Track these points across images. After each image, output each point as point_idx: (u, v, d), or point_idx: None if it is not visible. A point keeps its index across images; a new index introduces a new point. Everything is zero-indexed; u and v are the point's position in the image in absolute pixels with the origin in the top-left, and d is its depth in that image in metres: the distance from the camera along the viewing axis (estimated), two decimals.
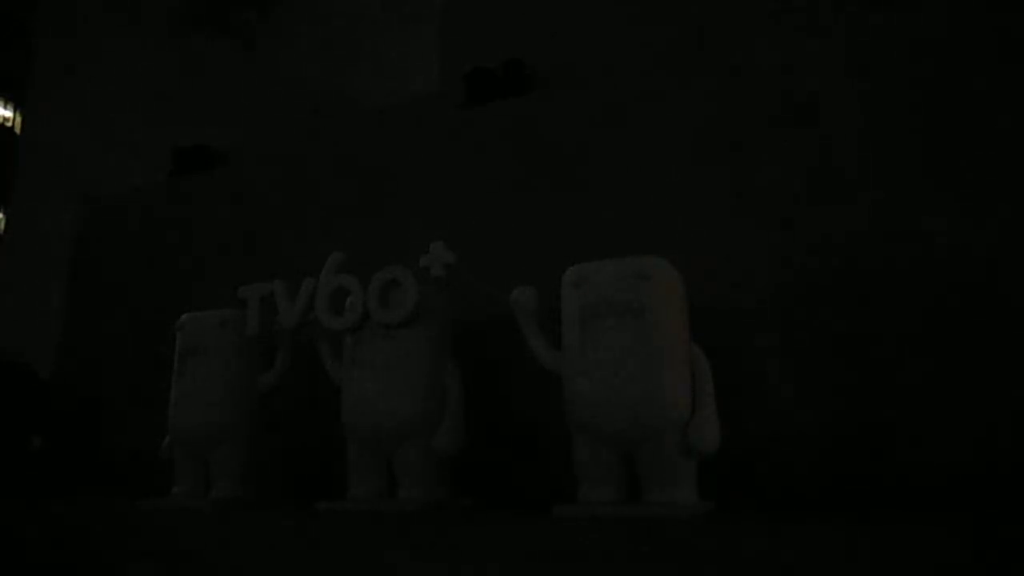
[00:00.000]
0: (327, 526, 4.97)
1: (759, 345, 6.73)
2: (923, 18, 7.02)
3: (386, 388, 6.53)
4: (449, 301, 7.07)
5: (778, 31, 7.74)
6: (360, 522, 5.24)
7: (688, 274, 6.13)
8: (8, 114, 46.07)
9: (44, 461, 11.22)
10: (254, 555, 3.60)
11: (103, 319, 11.11)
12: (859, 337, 6.44)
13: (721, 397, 5.73)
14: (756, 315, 6.81)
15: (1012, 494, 5.49)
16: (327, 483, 7.06)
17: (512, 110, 8.88)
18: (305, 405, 8.08)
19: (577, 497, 5.72)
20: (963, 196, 6.41)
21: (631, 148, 7.93)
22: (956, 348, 6.11)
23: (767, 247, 6.97)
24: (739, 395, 6.21)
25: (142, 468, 8.98)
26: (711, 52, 8.00)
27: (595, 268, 5.95)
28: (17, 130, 46.25)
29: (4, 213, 44.64)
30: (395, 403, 6.47)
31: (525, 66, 9.10)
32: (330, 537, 4.28)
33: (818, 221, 6.85)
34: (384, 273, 6.81)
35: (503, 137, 8.76)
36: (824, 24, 7.47)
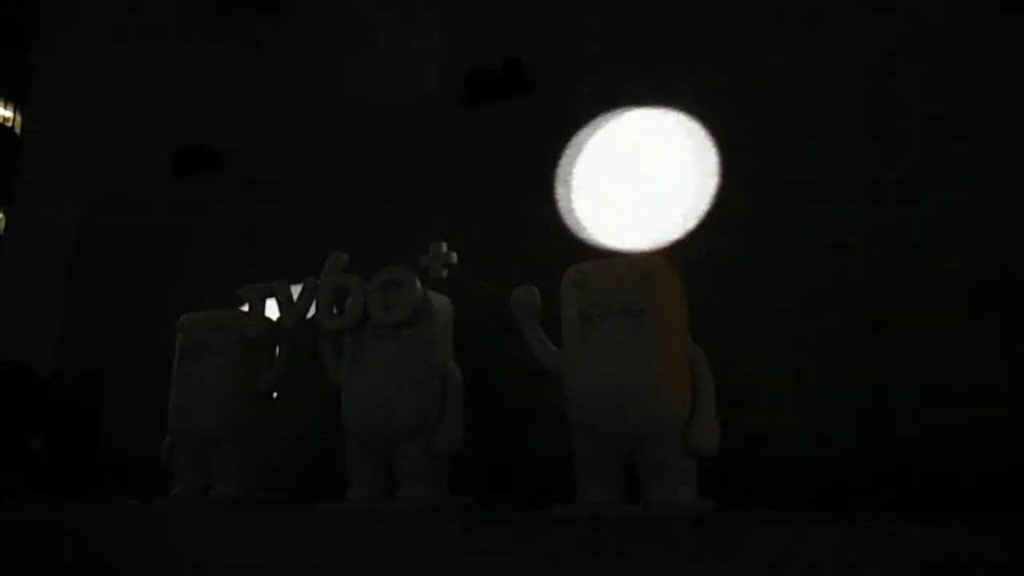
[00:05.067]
0: (327, 526, 4.97)
1: (759, 345, 6.73)
2: (927, 17, 7.02)
3: (386, 388, 6.53)
4: (449, 301, 7.07)
5: (780, 31, 7.74)
6: (360, 522, 5.24)
7: (688, 274, 6.12)
8: (8, 114, 46.07)
9: (44, 461, 11.22)
10: (254, 555, 3.60)
11: (103, 319, 11.10)
12: (859, 336, 6.44)
13: (721, 397, 5.72)
14: (756, 315, 6.81)
15: (1015, 494, 5.49)
16: (327, 483, 7.06)
17: (512, 110, 8.88)
18: (305, 405, 8.08)
19: (577, 497, 5.72)
20: (966, 197, 6.41)
21: (631, 148, 7.93)
22: (957, 347, 6.11)
23: (768, 247, 6.97)
24: (739, 395, 6.21)
25: (142, 468, 8.97)
26: (711, 51, 8.01)
27: (595, 268, 5.95)
28: (17, 130, 46.26)
29: (4, 213, 44.63)
30: (395, 403, 6.47)
31: (525, 66, 9.10)
32: (330, 537, 4.28)
33: (819, 221, 6.85)
34: (384, 273, 6.81)
35: (503, 137, 8.76)
36: (828, 23, 7.47)
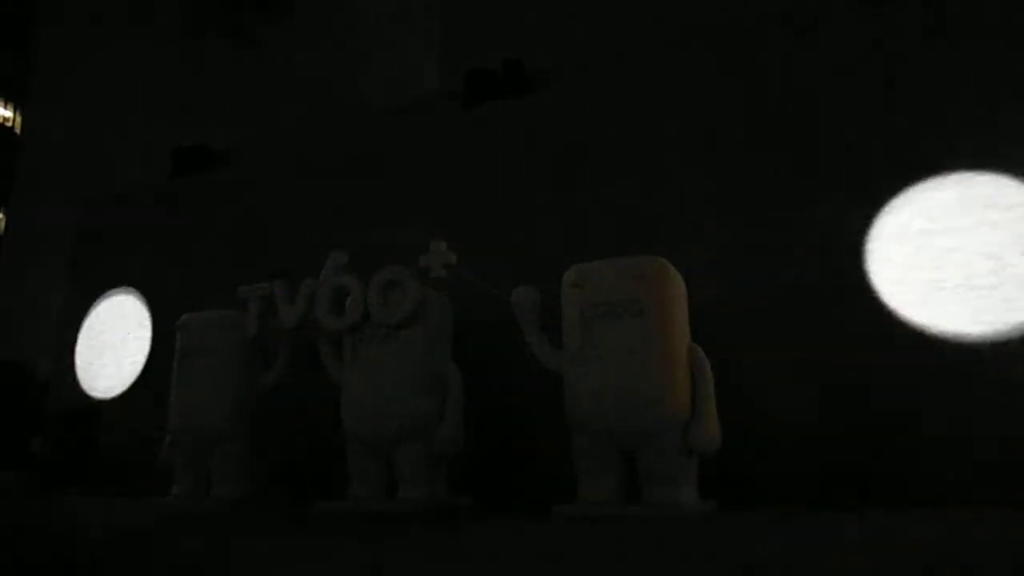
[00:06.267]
0: (327, 526, 4.97)
1: (759, 345, 6.72)
2: (926, 16, 7.02)
3: (386, 388, 6.53)
4: (449, 301, 7.07)
5: (779, 32, 7.74)
6: (360, 522, 5.24)
7: (688, 274, 6.12)
8: (8, 114, 46.07)
9: (44, 461, 11.22)
10: (254, 555, 3.60)
11: (103, 319, 11.09)
12: (860, 336, 6.44)
13: (721, 397, 5.73)
14: (756, 315, 6.81)
15: (1014, 492, 5.49)
16: (327, 483, 7.06)
17: (512, 110, 8.88)
18: (305, 405, 8.08)
19: (577, 497, 5.72)
20: (966, 196, 6.41)
21: (631, 148, 7.94)
22: (961, 347, 6.11)
23: (768, 246, 6.97)
24: (739, 395, 6.21)
25: (142, 468, 8.98)
26: (712, 51, 8.01)
27: (595, 268, 5.95)
28: (17, 130, 46.27)
29: (4, 213, 44.64)
30: (395, 403, 6.47)
31: (525, 66, 9.09)
32: (330, 537, 4.27)
33: (819, 220, 6.85)
34: (384, 273, 6.81)
35: (503, 137, 8.76)
36: (825, 24, 7.48)
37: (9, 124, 45.95)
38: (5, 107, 45.82)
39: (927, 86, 6.83)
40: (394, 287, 6.73)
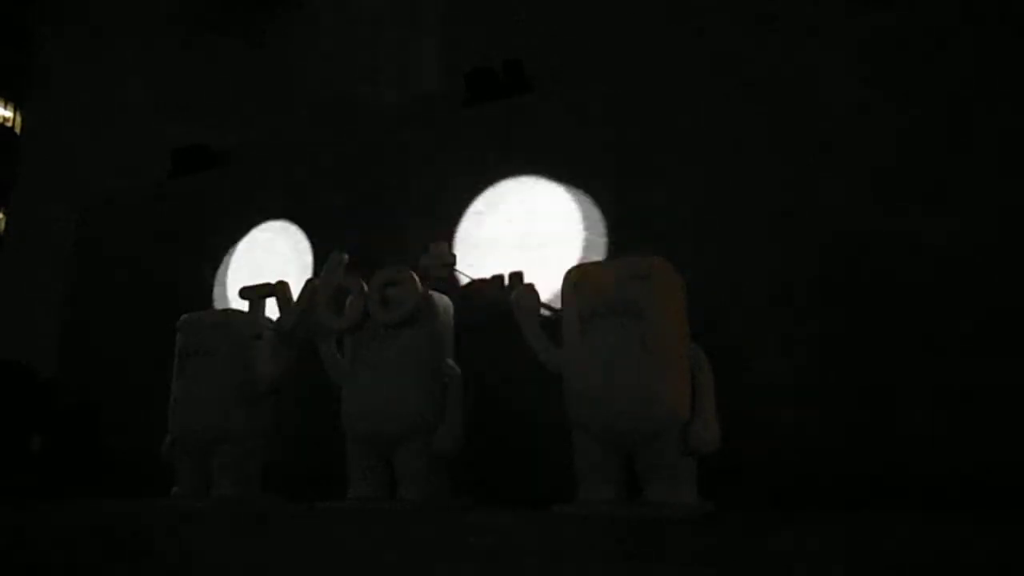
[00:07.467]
0: (327, 526, 4.97)
1: (759, 345, 6.73)
2: (927, 18, 7.03)
3: (386, 388, 6.53)
4: (449, 301, 7.07)
5: (779, 32, 7.74)
6: (360, 522, 5.24)
7: (688, 274, 6.12)
8: (8, 114, 46.08)
9: (44, 461, 11.22)
10: (254, 555, 3.60)
11: (103, 319, 11.09)
12: (860, 336, 6.44)
13: (721, 397, 5.72)
14: (756, 315, 6.82)
15: (1014, 495, 5.49)
16: (327, 483, 7.06)
17: (512, 110, 8.88)
18: (305, 405, 8.08)
19: (577, 497, 5.72)
20: (967, 196, 6.42)
21: (631, 148, 7.93)
22: (958, 347, 6.12)
23: (768, 247, 6.98)
24: (739, 395, 6.21)
25: (142, 468, 8.97)
26: (711, 52, 8.01)
27: (595, 268, 5.95)
28: (17, 130, 46.28)
29: (4, 213, 44.66)
30: (395, 403, 6.47)
31: (525, 66, 9.10)
32: (330, 537, 4.27)
33: (820, 221, 6.86)
34: (384, 273, 6.81)
35: (503, 137, 8.76)
36: (827, 24, 7.48)
37: (9, 124, 45.96)
38: (5, 107, 45.83)
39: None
40: (394, 287, 6.73)
